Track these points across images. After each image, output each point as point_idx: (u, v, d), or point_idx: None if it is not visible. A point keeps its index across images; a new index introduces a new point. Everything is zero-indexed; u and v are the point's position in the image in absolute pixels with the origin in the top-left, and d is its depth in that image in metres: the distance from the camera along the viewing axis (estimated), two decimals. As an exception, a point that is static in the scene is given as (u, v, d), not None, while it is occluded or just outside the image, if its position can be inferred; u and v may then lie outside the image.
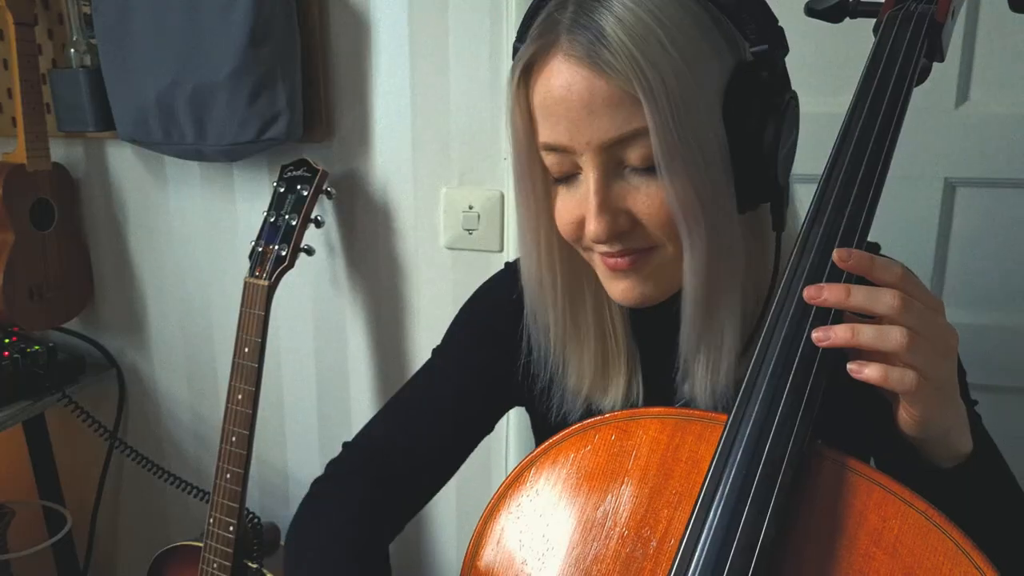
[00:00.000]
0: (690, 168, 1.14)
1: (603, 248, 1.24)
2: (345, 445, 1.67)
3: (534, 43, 1.20)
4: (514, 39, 1.29)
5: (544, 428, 1.59)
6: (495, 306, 1.61)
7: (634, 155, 1.17)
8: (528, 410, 1.65)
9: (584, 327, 1.42)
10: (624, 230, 1.21)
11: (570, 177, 1.25)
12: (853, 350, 1.05)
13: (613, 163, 1.19)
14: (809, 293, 1.04)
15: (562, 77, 1.17)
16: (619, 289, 1.29)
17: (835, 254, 1.04)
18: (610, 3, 1.13)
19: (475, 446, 1.66)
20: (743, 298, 1.29)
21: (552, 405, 1.49)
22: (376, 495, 1.57)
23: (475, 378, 1.61)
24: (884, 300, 1.02)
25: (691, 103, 1.12)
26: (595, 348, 1.43)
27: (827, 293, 1.03)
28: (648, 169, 1.17)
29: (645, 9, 1.12)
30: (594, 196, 1.19)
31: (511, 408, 1.70)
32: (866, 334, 1.02)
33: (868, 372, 1.02)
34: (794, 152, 1.26)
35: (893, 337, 1.01)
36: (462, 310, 1.68)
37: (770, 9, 1.20)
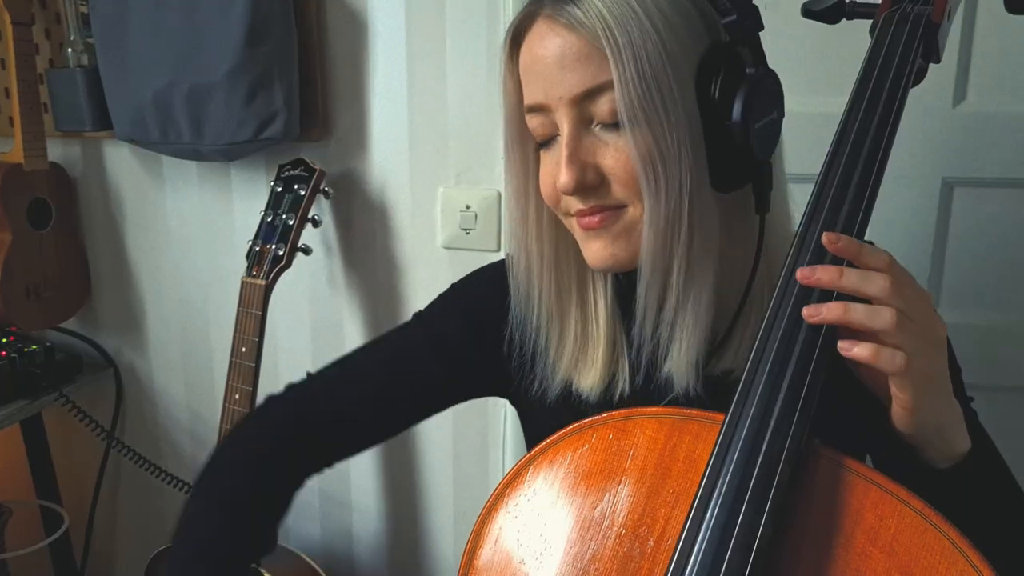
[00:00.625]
0: (653, 125, 1.18)
1: (576, 205, 1.29)
2: (308, 375, 1.68)
3: (521, 12, 1.29)
4: None
5: (526, 409, 1.61)
6: (478, 289, 1.64)
7: (602, 110, 1.22)
8: (511, 396, 1.65)
9: (567, 300, 1.45)
10: (593, 184, 1.26)
11: (551, 140, 1.30)
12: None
13: (584, 118, 1.25)
14: (802, 273, 1.05)
15: (541, 39, 1.25)
16: (591, 251, 1.32)
17: (824, 237, 1.06)
18: None
19: (420, 419, 1.68)
20: (719, 277, 1.30)
21: (533, 381, 1.51)
22: (308, 431, 1.61)
23: (438, 354, 1.61)
24: (876, 282, 1.03)
25: (657, 63, 1.17)
26: (576, 323, 1.45)
27: (820, 273, 1.04)
28: (616, 124, 1.22)
29: None
30: (564, 148, 1.25)
31: (480, 396, 1.71)
32: (858, 311, 1.03)
33: (858, 350, 1.03)
34: (775, 131, 1.27)
35: (884, 316, 1.02)
36: (453, 285, 1.69)
37: None
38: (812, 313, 1.04)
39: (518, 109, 1.33)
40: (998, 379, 2.21)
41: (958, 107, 2.13)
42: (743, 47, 1.21)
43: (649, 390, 1.40)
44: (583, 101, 1.23)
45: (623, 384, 1.43)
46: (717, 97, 1.20)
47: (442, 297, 1.68)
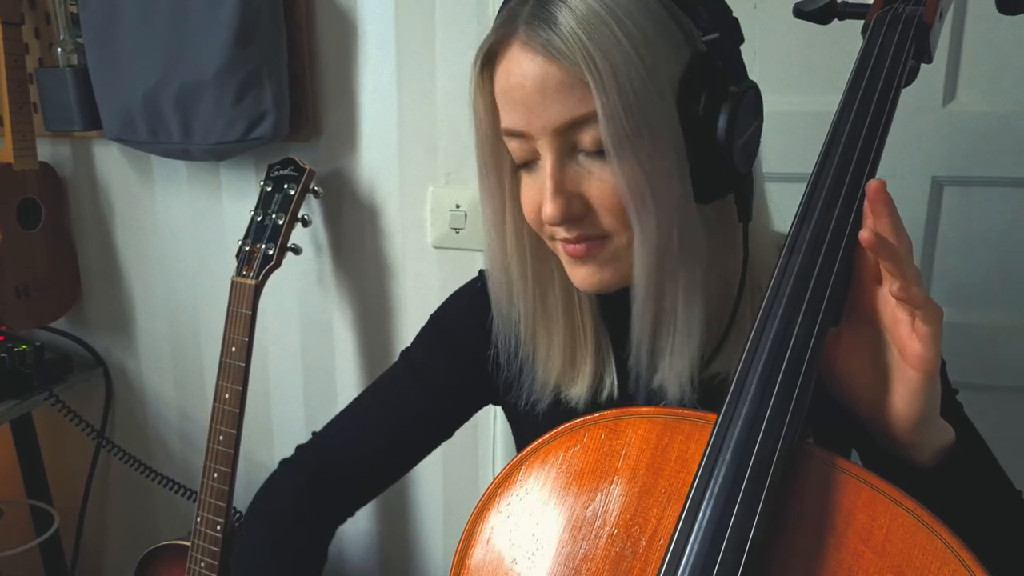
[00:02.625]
0: (639, 154, 1.16)
1: (561, 234, 1.28)
2: (313, 434, 1.74)
3: (495, 33, 1.26)
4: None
5: (516, 420, 1.63)
6: (459, 317, 1.66)
7: (586, 139, 1.20)
8: (504, 409, 1.69)
9: (553, 314, 1.44)
10: (578, 214, 1.25)
11: (531, 164, 1.29)
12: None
13: (568, 147, 1.23)
14: (877, 184, 1.04)
15: (519, 65, 1.21)
16: (578, 275, 1.32)
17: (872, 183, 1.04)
18: None
19: (430, 451, 1.73)
20: (707, 288, 1.30)
21: (521, 394, 1.52)
22: (318, 493, 1.69)
23: (432, 391, 1.67)
24: (905, 240, 1.04)
25: (641, 90, 1.15)
26: (564, 336, 1.45)
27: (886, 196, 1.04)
28: (600, 153, 1.20)
29: (599, 1, 1.15)
30: (549, 179, 1.23)
31: (476, 412, 1.74)
32: (906, 243, 1.04)
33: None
34: (756, 142, 1.27)
35: (913, 266, 1.03)
36: (432, 317, 1.72)
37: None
38: (878, 187, 1.03)
39: (493, 130, 1.32)
40: (988, 378, 2.21)
41: (948, 106, 2.13)
42: (724, 61, 1.21)
43: (639, 395, 1.40)
44: (566, 131, 1.21)
45: (611, 388, 1.45)
46: (701, 116, 1.18)
47: (423, 330, 1.72)
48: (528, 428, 1.57)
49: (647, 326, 1.31)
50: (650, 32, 1.16)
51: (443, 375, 1.66)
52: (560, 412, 1.47)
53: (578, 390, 1.45)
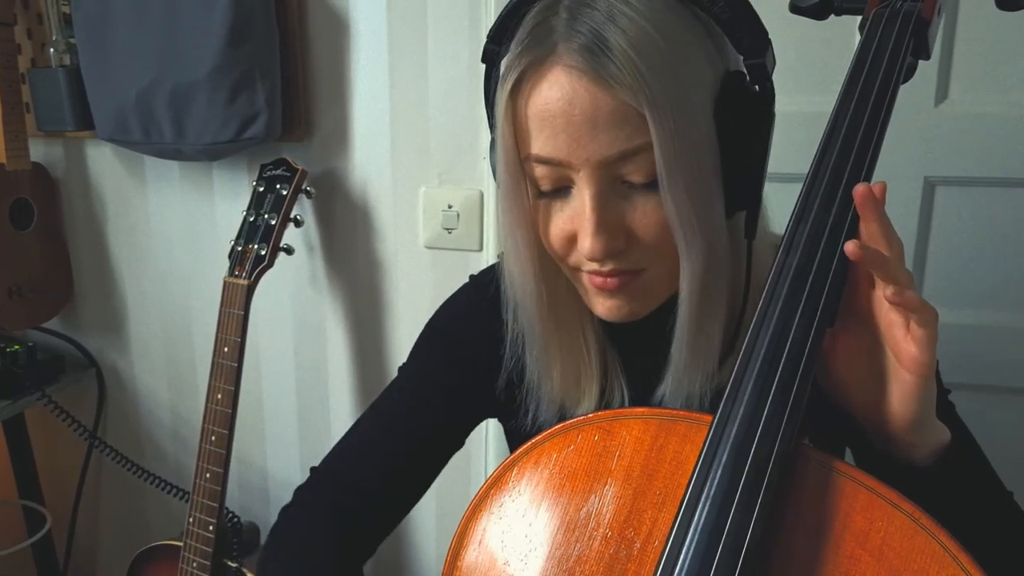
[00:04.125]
0: (689, 182, 1.12)
1: (591, 267, 1.23)
2: (312, 470, 1.66)
3: (528, 53, 1.16)
4: (487, 40, 1.26)
5: (519, 438, 1.57)
6: (459, 324, 1.61)
7: (634, 171, 1.15)
8: (502, 421, 1.65)
9: (564, 338, 1.40)
10: (620, 248, 1.20)
11: (560, 190, 1.22)
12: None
13: (610, 179, 1.17)
14: (863, 189, 1.03)
15: (563, 89, 1.13)
16: (606, 307, 1.28)
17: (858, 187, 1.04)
18: (609, 11, 1.11)
19: (444, 465, 1.65)
20: (724, 303, 1.28)
21: (528, 414, 1.48)
22: (340, 525, 1.58)
23: (440, 399, 1.60)
24: (896, 244, 1.04)
25: (690, 116, 1.11)
26: (570, 359, 1.41)
27: (875, 194, 1.04)
28: (647, 185, 1.15)
29: (645, 19, 1.10)
30: (592, 213, 1.16)
31: (481, 422, 1.69)
32: (897, 247, 1.04)
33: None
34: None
35: (904, 269, 1.03)
36: (426, 328, 1.66)
37: (760, 19, 1.17)
38: (864, 192, 1.02)
39: (519, 154, 1.22)
40: (979, 378, 2.22)
41: (940, 106, 2.13)
42: (759, 84, 1.18)
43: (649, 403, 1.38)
44: (613, 163, 1.14)
45: (621, 401, 1.43)
46: (737, 138, 1.16)
47: (420, 340, 1.66)
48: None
49: (687, 350, 1.28)
50: (693, 52, 1.14)
51: (450, 376, 1.59)
52: None
53: (584, 409, 1.42)
